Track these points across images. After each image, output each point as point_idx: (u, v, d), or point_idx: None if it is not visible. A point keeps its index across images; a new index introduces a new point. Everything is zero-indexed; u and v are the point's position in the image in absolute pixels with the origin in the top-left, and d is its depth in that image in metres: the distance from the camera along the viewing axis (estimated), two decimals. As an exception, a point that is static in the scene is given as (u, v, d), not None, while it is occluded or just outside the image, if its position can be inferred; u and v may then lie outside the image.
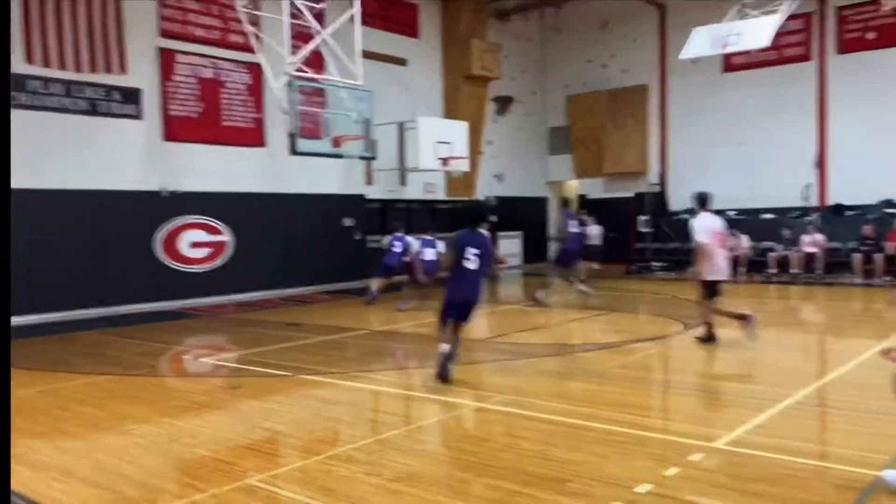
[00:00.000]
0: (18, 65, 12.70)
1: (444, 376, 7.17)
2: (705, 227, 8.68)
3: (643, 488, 4.28)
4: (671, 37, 21.23)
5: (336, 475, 4.71)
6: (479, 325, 11.68)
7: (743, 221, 18.62)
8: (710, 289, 8.72)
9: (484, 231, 7.58)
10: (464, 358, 8.80)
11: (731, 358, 8.65)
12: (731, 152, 20.54)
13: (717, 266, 8.72)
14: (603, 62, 23.18)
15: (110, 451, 5.40)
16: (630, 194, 22.06)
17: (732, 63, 20.40)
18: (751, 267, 18.05)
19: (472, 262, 7.16)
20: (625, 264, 20.31)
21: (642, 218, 20.76)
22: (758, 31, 14.88)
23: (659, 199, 21.56)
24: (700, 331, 9.01)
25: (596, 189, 23.62)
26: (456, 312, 7.35)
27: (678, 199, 21.29)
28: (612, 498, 4.14)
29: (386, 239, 13.79)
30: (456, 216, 16.57)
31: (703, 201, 8.97)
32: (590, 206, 22.82)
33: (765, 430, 5.44)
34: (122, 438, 5.71)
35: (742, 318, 8.80)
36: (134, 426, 6.02)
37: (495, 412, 6.20)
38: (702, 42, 15.77)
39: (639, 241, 21.11)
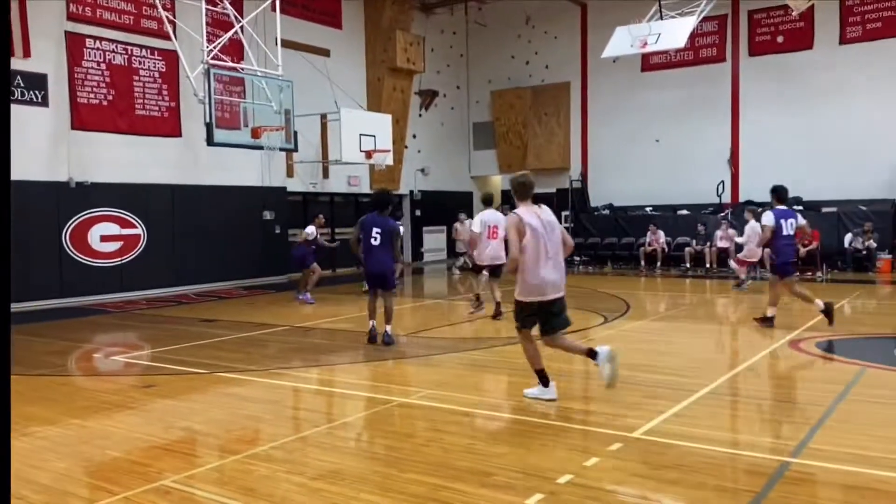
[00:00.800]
0: None
1: (372, 340, 8.96)
2: (482, 220, 10.76)
3: (564, 479, 4.33)
4: (592, 35, 21.69)
5: (256, 475, 4.58)
6: (402, 320, 11.65)
7: (660, 217, 19.19)
8: (491, 271, 10.84)
9: (387, 216, 8.98)
10: (388, 353, 8.75)
11: (649, 350, 8.89)
12: (650, 150, 21.15)
13: (489, 252, 10.72)
14: (526, 58, 23.47)
15: (13, 455, 5.08)
16: (552, 190, 22.41)
17: (651, 63, 21.00)
18: (667, 261, 18.64)
19: (376, 239, 8.74)
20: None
21: (564, 213, 21.12)
22: (675, 32, 15.33)
23: (580, 194, 21.99)
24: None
25: (519, 184, 23.88)
26: (372, 281, 9.10)
27: (598, 195, 21.77)
28: (535, 489, 4.18)
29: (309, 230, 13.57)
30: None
31: (487, 201, 11.27)
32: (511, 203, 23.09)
33: (680, 419, 5.59)
34: (26, 441, 5.41)
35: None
36: (39, 428, 5.71)
37: (419, 407, 6.17)
38: (622, 41, 16.14)
39: (560, 235, 21.40)
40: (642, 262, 18.80)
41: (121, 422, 5.96)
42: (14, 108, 13.13)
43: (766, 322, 9.72)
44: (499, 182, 25.07)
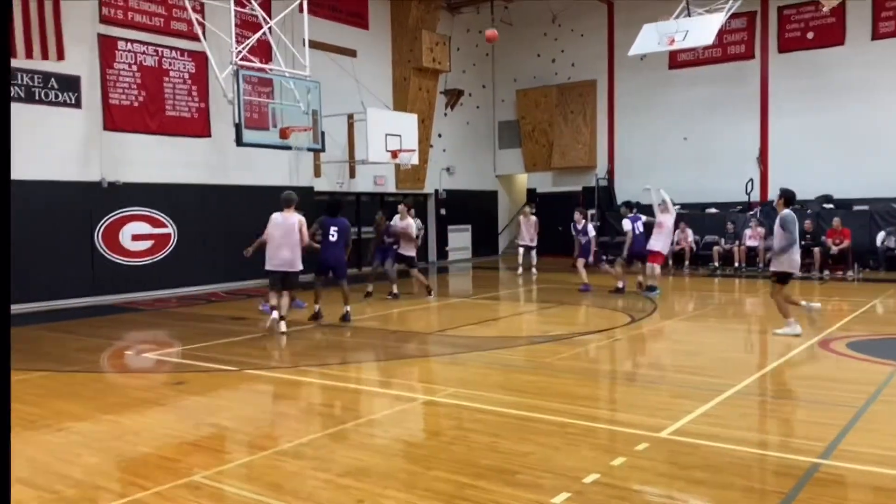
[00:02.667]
0: (-52, 49, 12.16)
1: (314, 318, 10.80)
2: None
3: (590, 478, 4.33)
4: (619, 33, 21.53)
5: (284, 471, 4.64)
6: (428, 318, 11.69)
7: (688, 216, 19.02)
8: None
9: (341, 216, 10.77)
10: (414, 351, 8.79)
11: (677, 350, 8.83)
12: (677, 148, 20.96)
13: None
14: (552, 57, 23.38)
15: (48, 449, 5.22)
16: (578, 188, 22.32)
17: (679, 60, 20.80)
18: (695, 260, 18.47)
19: (333, 236, 10.48)
20: (572, 258, 20.51)
21: (590, 212, 20.98)
22: (703, 29, 15.19)
23: (606, 193, 21.87)
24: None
25: (545, 183, 23.86)
26: (327, 270, 10.72)
27: (625, 194, 21.62)
28: (561, 488, 4.18)
29: None
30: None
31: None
32: (538, 200, 23.10)
33: (708, 419, 5.55)
34: (60, 437, 5.52)
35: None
36: (72, 424, 5.83)
37: (445, 405, 6.20)
38: (649, 39, 16.02)
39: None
40: (670, 261, 18.65)
41: (152, 418, 6.06)
42: (48, 109, 13.43)
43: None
44: (524, 181, 25.01)
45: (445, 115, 22.76)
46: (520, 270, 17.57)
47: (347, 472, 4.55)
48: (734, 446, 4.86)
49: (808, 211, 17.75)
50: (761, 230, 17.63)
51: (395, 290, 13.29)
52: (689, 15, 15.52)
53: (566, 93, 23.04)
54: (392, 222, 13.51)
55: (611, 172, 22.42)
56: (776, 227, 8.89)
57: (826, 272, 16.24)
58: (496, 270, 20.53)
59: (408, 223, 13.26)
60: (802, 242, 16.84)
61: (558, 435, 5.23)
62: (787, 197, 8.93)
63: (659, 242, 13.22)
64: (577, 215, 14.71)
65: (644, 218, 13.71)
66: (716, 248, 18.03)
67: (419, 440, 5.37)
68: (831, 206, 17.94)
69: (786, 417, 5.88)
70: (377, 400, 6.71)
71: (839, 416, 5.57)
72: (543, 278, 16.33)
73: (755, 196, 19.51)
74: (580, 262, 14.41)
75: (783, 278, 9.07)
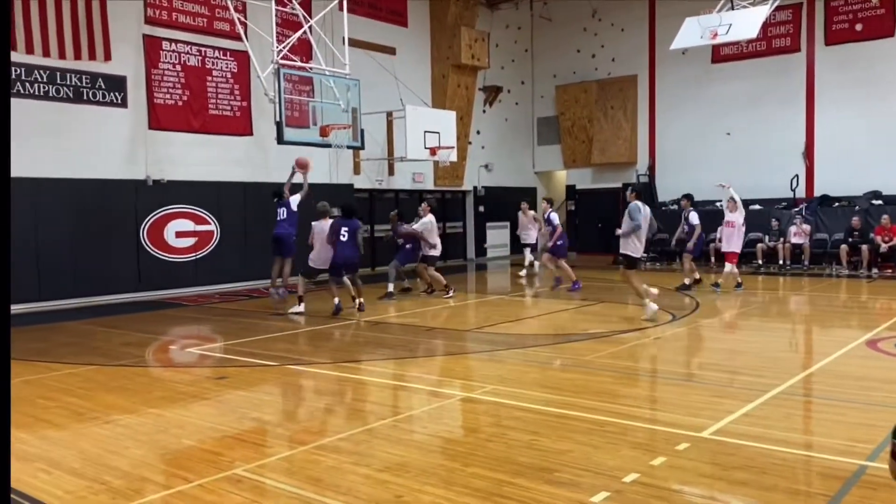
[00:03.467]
0: (1, 51, 12.53)
1: (336, 312, 11.08)
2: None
3: (630, 477, 4.29)
4: (661, 27, 21.24)
5: (324, 465, 4.69)
6: (465, 315, 11.71)
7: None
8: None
9: (353, 218, 11.42)
10: (452, 348, 8.81)
11: (719, 348, 8.71)
12: (720, 143, 20.62)
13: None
14: (592, 52, 23.17)
15: (96, 441, 5.36)
16: (618, 185, 22.10)
17: (721, 54, 20.45)
18: (739, 257, 18.14)
19: (344, 236, 11.15)
20: (613, 255, 20.35)
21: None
22: (747, 22, 14.88)
23: (647, 189, 21.62)
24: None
25: (584, 179, 23.67)
26: (340, 269, 11.35)
27: (667, 190, 21.35)
28: (600, 487, 4.15)
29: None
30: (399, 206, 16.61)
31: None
32: (577, 196, 22.96)
33: (751, 419, 5.46)
34: (107, 429, 5.67)
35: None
36: (119, 416, 5.97)
37: (483, 402, 6.20)
38: (692, 32, 15.75)
39: (627, 231, 21.15)
40: (712, 259, 18.37)
41: (195, 412, 6.18)
42: (95, 109, 13.76)
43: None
44: (563, 177, 24.85)
45: (484, 111, 22.72)
46: (523, 272, 17.20)
47: (386, 468, 4.59)
48: (778, 447, 4.77)
49: (857, 207, 17.33)
50: (807, 227, 17.26)
51: (390, 288, 13.23)
52: (732, 8, 15.23)
53: (606, 88, 22.83)
54: (411, 223, 13.65)
55: (652, 168, 22.16)
56: (625, 214, 10.13)
57: (875, 270, 15.84)
58: (534, 268, 20.41)
59: (422, 223, 13.29)
60: (850, 239, 16.66)
61: (597, 433, 5.20)
62: (638, 191, 10.46)
63: (732, 242, 13.39)
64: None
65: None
66: (759, 245, 17.70)
67: (457, 437, 5.38)
68: (880, 202, 17.46)
69: (831, 419, 5.75)
70: (415, 396, 6.75)
71: (887, 417, 5.42)
72: (577, 276, 16.07)
73: (801, 192, 19.10)
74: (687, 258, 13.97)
75: (631, 263, 10.17)
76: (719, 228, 14.47)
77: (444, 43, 20.48)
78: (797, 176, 19.04)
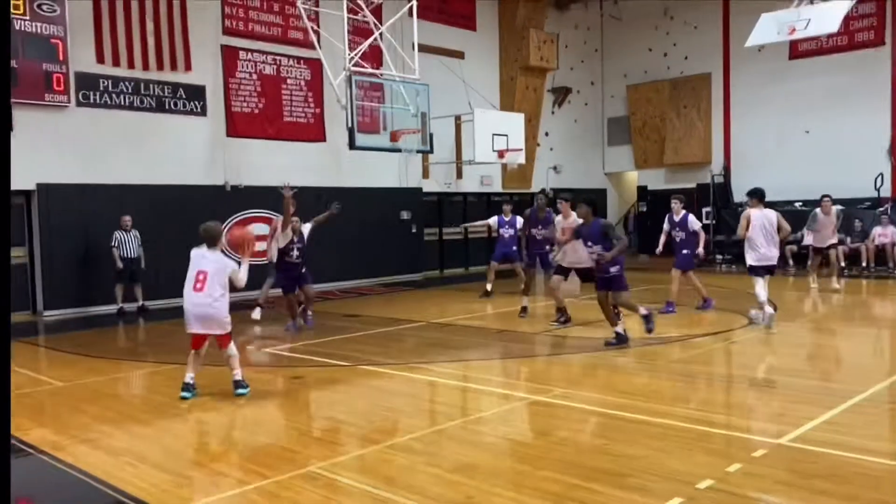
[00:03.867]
0: (90, 65, 13.19)
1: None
2: None
3: (704, 484, 4.21)
4: (735, 23, 20.69)
5: (396, 464, 4.77)
6: (536, 317, 11.65)
7: (811, 213, 18.06)
8: None
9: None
10: (521, 351, 8.80)
11: (798, 353, 8.43)
12: (798, 141, 19.94)
13: None
14: (664, 50, 22.75)
15: (179, 437, 5.58)
16: (692, 185, 21.62)
17: (800, 49, 19.77)
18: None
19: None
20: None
21: (705, 209, 20.33)
22: (827, 16, 14.35)
23: (722, 189, 21.10)
24: None
25: (657, 180, 23.24)
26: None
27: (742, 190, 20.77)
28: (673, 493, 4.09)
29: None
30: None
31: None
32: (649, 197, 22.55)
33: (833, 426, 5.28)
34: (188, 425, 5.90)
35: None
36: (200, 414, 6.20)
37: (553, 405, 6.18)
38: (768, 29, 15.29)
39: (701, 233, 20.71)
40: (790, 261, 17.78)
41: (272, 410, 6.37)
42: (177, 118, 14.33)
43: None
44: (634, 178, 24.46)
45: (553, 113, 22.58)
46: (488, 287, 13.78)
47: (457, 468, 4.63)
48: (862, 456, 4.60)
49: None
50: (893, 228, 16.52)
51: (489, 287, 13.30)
52: (811, 2, 14.72)
53: (679, 87, 22.37)
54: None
55: (727, 168, 21.59)
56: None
57: None
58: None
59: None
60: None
61: (670, 438, 5.12)
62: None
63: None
64: (675, 204, 11.62)
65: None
66: (841, 247, 17.02)
67: (528, 439, 5.39)
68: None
69: (920, 428, 5.51)
70: (485, 398, 6.77)
71: (982, 428, 5.17)
72: (643, 279, 15.45)
73: (885, 191, 18.28)
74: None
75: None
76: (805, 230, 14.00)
77: (513, 45, 20.45)
78: (881, 175, 18.23)
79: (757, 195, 9.59)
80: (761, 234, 9.37)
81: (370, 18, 14.32)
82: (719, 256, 19.35)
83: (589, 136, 24.04)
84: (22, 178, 12.56)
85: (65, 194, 12.95)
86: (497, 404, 6.46)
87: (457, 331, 10.45)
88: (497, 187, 20.93)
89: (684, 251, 11.15)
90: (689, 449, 4.89)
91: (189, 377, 6.64)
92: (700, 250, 11.16)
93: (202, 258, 6.94)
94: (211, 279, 6.70)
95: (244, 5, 15.30)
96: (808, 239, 15.38)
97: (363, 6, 13.98)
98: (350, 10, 13.86)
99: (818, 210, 13.90)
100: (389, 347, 9.32)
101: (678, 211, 11.31)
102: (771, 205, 13.84)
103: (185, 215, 14.25)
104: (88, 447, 5.31)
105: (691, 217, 11.18)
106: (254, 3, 15.44)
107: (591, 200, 8.68)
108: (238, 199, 15.13)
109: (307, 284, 10.83)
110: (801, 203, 19.11)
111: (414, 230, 18.30)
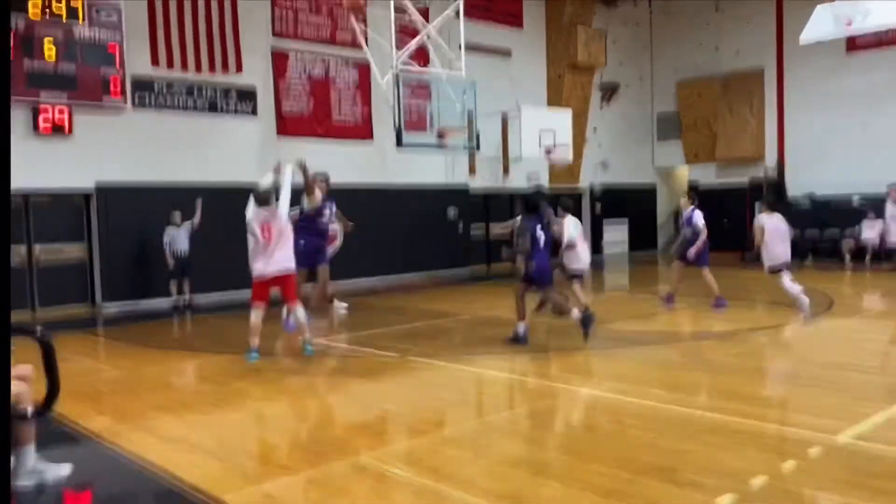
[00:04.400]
0: (145, 68, 13.56)
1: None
2: None
3: (758, 480, 4.13)
4: (789, 17, 20.17)
5: (443, 456, 4.80)
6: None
7: (868, 209, 17.55)
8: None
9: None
10: (569, 345, 8.75)
11: (857, 348, 8.19)
12: (855, 137, 19.36)
13: None
14: (715, 45, 22.32)
15: (232, 426, 5.71)
16: (744, 181, 21.19)
17: (857, 43, 19.16)
18: (876, 256, 17.01)
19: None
20: (739, 252, 19.56)
21: (758, 205, 19.89)
22: (888, 8, 13.87)
23: (776, 185, 20.62)
24: None
25: (707, 176, 22.82)
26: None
27: (797, 186, 20.30)
28: (726, 489, 4.02)
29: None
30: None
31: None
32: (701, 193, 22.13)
33: (894, 424, 5.12)
34: (242, 414, 6.02)
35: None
36: (253, 403, 6.33)
37: (602, 399, 6.14)
38: (823, 22, 14.83)
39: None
40: (847, 256, 17.29)
41: (322, 400, 6.47)
42: (229, 119, 14.62)
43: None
44: (685, 174, 24.06)
45: (601, 109, 22.38)
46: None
47: (505, 461, 4.64)
48: (924, 454, 4.46)
49: None
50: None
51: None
52: (869, -8, 14.25)
53: (730, 82, 21.91)
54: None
55: (780, 163, 21.09)
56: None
57: None
58: (655, 265, 19.94)
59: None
60: None
61: (722, 434, 5.03)
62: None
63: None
64: (682, 201, 11.80)
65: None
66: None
67: (577, 433, 5.36)
68: None
69: None
70: (533, 391, 6.75)
71: None
72: (696, 273, 15.05)
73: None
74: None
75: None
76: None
77: (560, 43, 20.32)
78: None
79: (768, 202, 10.20)
80: (777, 237, 9.77)
81: (417, 18, 14.39)
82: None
83: (638, 132, 23.75)
84: (82, 178, 13.01)
85: (122, 194, 13.34)
86: (545, 397, 6.43)
87: (504, 324, 10.42)
88: (544, 184, 20.82)
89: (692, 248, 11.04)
90: (742, 445, 4.80)
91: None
92: (692, 250, 10.88)
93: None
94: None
95: (293, 7, 15.52)
96: (869, 233, 14.94)
97: (410, 6, 14.06)
98: (397, 10, 13.95)
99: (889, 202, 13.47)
100: (437, 340, 9.36)
101: (686, 206, 11.30)
102: (826, 202, 13.54)
103: (237, 214, 14.50)
104: (145, 434, 5.47)
105: (696, 214, 11.03)
106: (303, 6, 15.66)
107: (528, 199, 8.82)
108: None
109: (325, 263, 10.14)
110: (858, 197, 18.59)
111: (460, 228, 18.33)
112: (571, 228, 10.16)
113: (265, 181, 7.96)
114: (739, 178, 21.49)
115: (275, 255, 8.09)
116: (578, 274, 10.44)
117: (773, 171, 20.82)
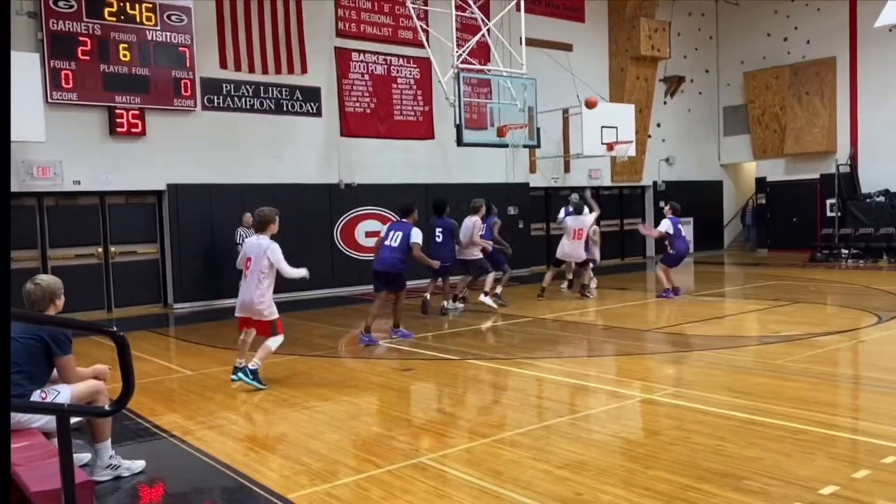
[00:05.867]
0: (214, 70, 13.94)
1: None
2: None
3: (828, 490, 4.03)
4: (863, 2, 19.41)
5: (503, 458, 4.82)
6: (644, 314, 11.41)
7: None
8: None
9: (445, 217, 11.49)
10: (631, 348, 8.65)
11: (935, 355, 7.86)
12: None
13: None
14: (784, 35, 21.64)
15: (297, 425, 5.85)
16: (815, 176, 20.49)
17: (938, 27, 18.31)
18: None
19: (438, 237, 11.51)
20: (809, 251, 18.95)
21: (829, 201, 19.24)
22: (970, -10, 13.25)
23: (848, 180, 19.87)
24: None
25: (776, 171, 22.16)
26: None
27: (871, 181, 19.52)
28: (793, 498, 3.93)
29: None
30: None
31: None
32: (768, 189, 21.53)
33: (974, 435, 4.92)
34: (306, 414, 6.16)
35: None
36: (317, 403, 6.47)
37: (665, 404, 6.05)
38: (900, 6, 14.27)
39: (825, 226, 19.60)
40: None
41: (383, 401, 6.56)
42: (294, 119, 14.93)
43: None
44: (752, 169, 23.41)
45: (665, 103, 21.95)
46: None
47: (565, 465, 4.63)
48: None
49: None
50: None
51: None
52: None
53: (800, 73, 21.21)
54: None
55: (854, 157, 20.30)
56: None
57: None
58: (721, 265, 19.47)
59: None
60: None
61: (790, 441, 4.91)
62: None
63: None
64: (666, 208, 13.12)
65: None
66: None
67: (638, 438, 5.31)
68: None
69: None
70: (594, 395, 6.71)
71: None
72: (761, 273, 14.92)
73: None
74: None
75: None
76: None
77: (623, 35, 20.03)
78: None
79: None
80: None
81: (478, 15, 14.39)
82: (845, 251, 18.25)
83: (703, 126, 23.20)
84: (154, 179, 13.47)
85: (192, 194, 13.75)
86: (606, 401, 6.38)
87: (564, 326, 10.38)
88: (606, 180, 20.57)
89: (670, 251, 12.74)
90: (811, 452, 4.68)
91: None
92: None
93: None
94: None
95: (356, 7, 15.72)
96: None
97: (471, 3, 14.07)
98: (458, 7, 13.98)
99: None
100: (497, 342, 9.38)
101: (666, 214, 12.86)
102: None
103: (303, 213, 14.85)
104: (214, 432, 5.65)
105: (664, 220, 12.69)
106: (365, 5, 15.84)
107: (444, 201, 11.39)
108: (351, 196, 15.60)
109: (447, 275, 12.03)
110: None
111: (521, 225, 18.26)
112: (570, 222, 12.26)
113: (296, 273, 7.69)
114: (810, 173, 20.81)
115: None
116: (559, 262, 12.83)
117: (846, 166, 20.08)
